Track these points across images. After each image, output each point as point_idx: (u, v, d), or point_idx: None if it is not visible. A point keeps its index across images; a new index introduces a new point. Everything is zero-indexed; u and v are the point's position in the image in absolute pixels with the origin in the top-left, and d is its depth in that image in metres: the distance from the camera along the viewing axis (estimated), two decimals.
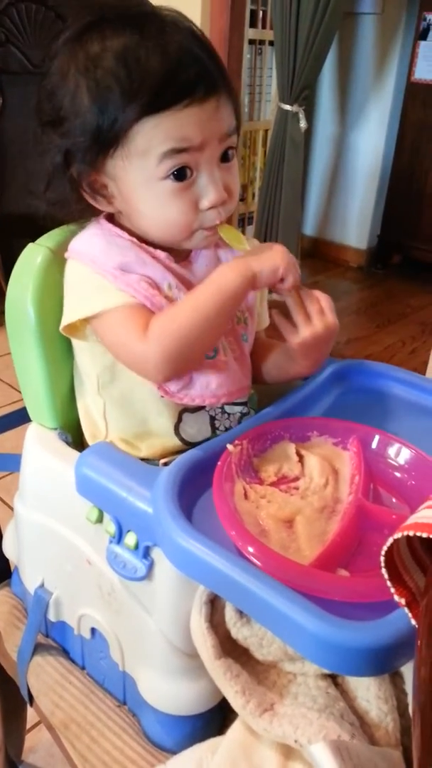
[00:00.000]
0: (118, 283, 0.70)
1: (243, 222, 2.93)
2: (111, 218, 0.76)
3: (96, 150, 0.67)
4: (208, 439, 0.76)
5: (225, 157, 0.71)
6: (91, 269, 0.71)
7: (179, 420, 0.76)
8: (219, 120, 0.68)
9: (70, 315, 0.72)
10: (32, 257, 0.77)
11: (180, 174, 0.68)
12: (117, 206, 0.73)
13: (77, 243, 0.74)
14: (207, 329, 0.69)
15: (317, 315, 0.75)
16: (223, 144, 0.70)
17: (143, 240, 0.74)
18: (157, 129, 0.65)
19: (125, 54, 0.64)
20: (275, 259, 0.69)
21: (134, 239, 0.73)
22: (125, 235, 0.73)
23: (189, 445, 0.76)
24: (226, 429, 0.78)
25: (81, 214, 0.76)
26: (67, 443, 0.80)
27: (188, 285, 0.75)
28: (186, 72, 0.65)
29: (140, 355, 0.69)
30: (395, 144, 3.12)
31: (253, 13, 2.63)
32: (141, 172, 0.68)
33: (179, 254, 0.77)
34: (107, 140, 0.67)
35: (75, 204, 0.74)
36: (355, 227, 3.37)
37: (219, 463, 0.67)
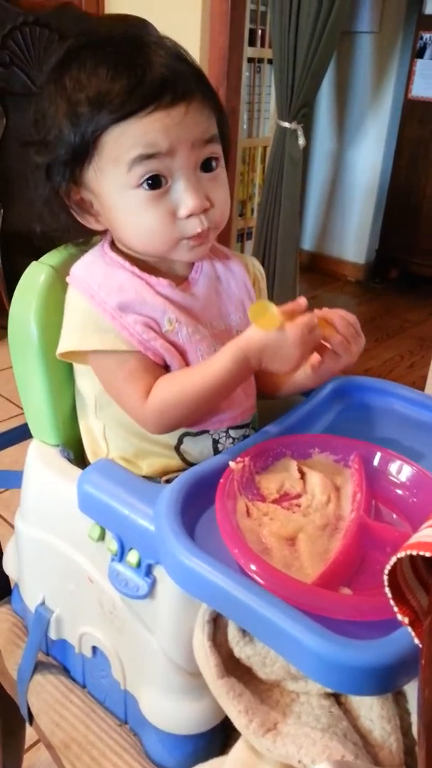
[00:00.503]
0: (116, 324, 0.70)
1: (242, 237, 2.95)
2: (114, 244, 0.77)
3: (72, 163, 0.69)
4: None
5: (208, 167, 0.71)
6: (90, 303, 0.71)
7: (180, 442, 0.77)
8: (189, 125, 0.67)
9: (66, 344, 0.73)
10: (35, 276, 0.77)
11: (153, 182, 0.68)
12: (103, 223, 0.74)
13: (78, 269, 0.75)
14: (209, 404, 0.73)
15: (354, 339, 0.76)
16: (201, 151, 0.70)
17: (143, 266, 0.74)
18: (123, 136, 0.66)
19: (96, 70, 0.66)
20: (292, 359, 0.69)
21: (135, 269, 0.73)
22: (126, 264, 0.74)
23: (190, 464, 0.76)
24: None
25: (77, 234, 0.78)
26: (69, 460, 0.80)
27: (189, 312, 0.75)
28: (151, 79, 0.65)
29: (137, 412, 0.73)
30: (392, 160, 3.15)
31: (252, 32, 2.66)
32: (114, 181, 0.69)
33: (178, 278, 0.77)
34: (81, 152, 0.68)
35: (69, 226, 0.75)
36: (353, 242, 3.40)
37: (221, 480, 0.67)
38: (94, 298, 0.71)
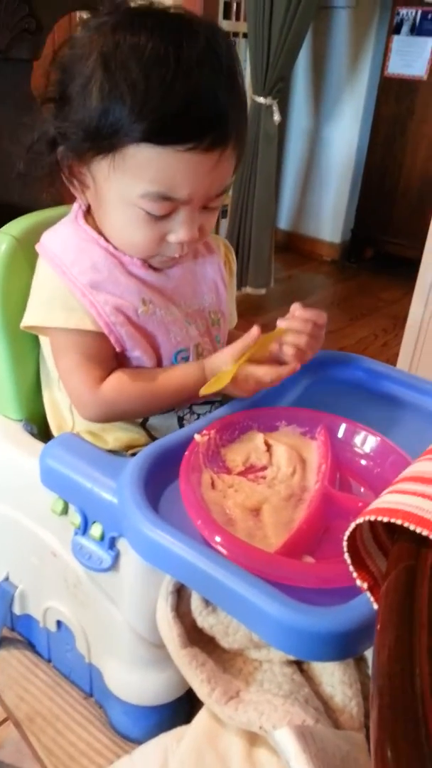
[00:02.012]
0: (85, 301, 0.69)
1: (218, 216, 2.92)
2: (87, 214, 0.74)
3: (87, 147, 0.65)
4: None
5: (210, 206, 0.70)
6: (61, 279, 0.69)
7: (146, 419, 0.76)
8: (215, 177, 0.65)
9: (30, 317, 0.72)
10: None
11: (158, 214, 0.66)
12: (89, 199, 0.71)
13: (50, 239, 0.72)
14: (159, 408, 0.75)
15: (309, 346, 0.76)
16: (211, 201, 0.68)
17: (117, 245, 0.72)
18: (152, 161, 0.62)
19: (152, 66, 0.60)
20: (249, 389, 0.72)
21: (110, 246, 0.71)
22: (101, 240, 0.71)
23: (155, 439, 0.75)
24: None
25: (52, 197, 0.74)
26: (33, 435, 0.79)
27: (163, 293, 0.74)
28: (201, 115, 0.61)
29: (83, 397, 0.72)
30: (369, 138, 3.14)
31: (227, 5, 2.61)
32: (122, 191, 0.66)
33: None
34: (101, 145, 0.63)
35: (50, 184, 0.71)
36: (329, 221, 3.38)
37: (186, 453, 0.66)
38: (65, 275, 0.69)
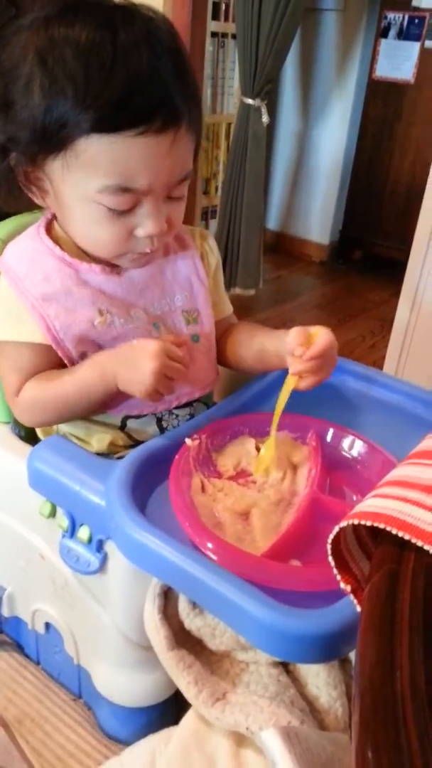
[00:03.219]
0: (35, 314, 0.68)
1: (206, 216, 2.92)
2: (50, 224, 0.73)
3: (37, 149, 0.63)
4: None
5: (175, 195, 0.68)
6: (14, 292, 0.69)
7: (123, 424, 0.76)
8: (173, 161, 0.63)
9: None
10: None
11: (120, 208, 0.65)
12: (49, 204, 0.70)
13: (9, 251, 0.72)
14: (72, 410, 0.72)
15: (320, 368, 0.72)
16: (174, 188, 0.67)
17: (76, 250, 0.71)
18: (104, 152, 0.60)
19: (90, 55, 0.58)
20: (145, 378, 0.65)
21: (65, 255, 0.70)
22: (57, 250, 0.70)
23: (138, 441, 0.75)
24: (174, 428, 0.77)
25: (21, 203, 0.73)
26: (20, 437, 0.79)
27: (123, 300, 0.72)
28: (147, 96, 0.59)
29: (10, 403, 0.74)
30: (357, 140, 3.16)
31: (216, 6, 2.61)
32: (79, 189, 0.64)
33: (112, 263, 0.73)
34: (50, 144, 0.62)
35: (8, 192, 0.69)
36: (318, 222, 3.40)
37: (176, 456, 0.67)
38: (17, 286, 0.68)
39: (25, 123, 0.62)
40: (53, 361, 0.71)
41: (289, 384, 0.71)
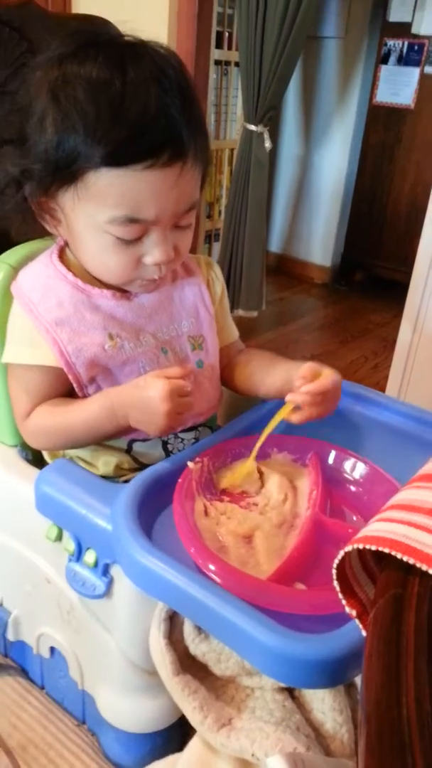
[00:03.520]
0: (48, 338, 0.69)
1: (210, 239, 2.95)
2: (63, 251, 0.75)
3: (50, 181, 0.65)
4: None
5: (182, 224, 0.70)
6: (28, 317, 0.70)
7: (129, 447, 0.77)
8: (180, 193, 0.65)
9: (5, 355, 0.73)
10: None
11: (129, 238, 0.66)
12: (62, 232, 0.72)
13: (22, 277, 0.74)
14: (78, 441, 0.74)
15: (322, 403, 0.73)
16: (181, 218, 0.68)
17: (88, 276, 0.73)
18: (113, 185, 0.63)
19: (100, 92, 0.61)
20: (158, 422, 0.66)
21: (78, 281, 0.72)
22: (69, 276, 0.72)
23: (144, 464, 0.76)
24: (180, 451, 0.78)
25: (35, 231, 0.75)
26: (27, 461, 0.80)
27: (133, 324, 0.74)
28: (154, 132, 0.61)
29: (19, 425, 0.75)
30: (357, 165, 3.20)
31: (219, 35, 2.67)
32: (89, 219, 0.66)
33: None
34: (62, 176, 0.64)
35: (22, 221, 0.72)
36: (320, 245, 3.43)
37: (180, 480, 0.67)
38: (32, 312, 0.70)
39: (39, 157, 0.65)
40: (63, 384, 0.72)
41: (283, 411, 0.72)
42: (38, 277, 0.73)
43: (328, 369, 0.72)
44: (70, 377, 0.71)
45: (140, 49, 0.64)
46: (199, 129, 0.66)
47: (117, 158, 0.61)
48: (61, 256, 0.75)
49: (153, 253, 0.68)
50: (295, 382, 0.71)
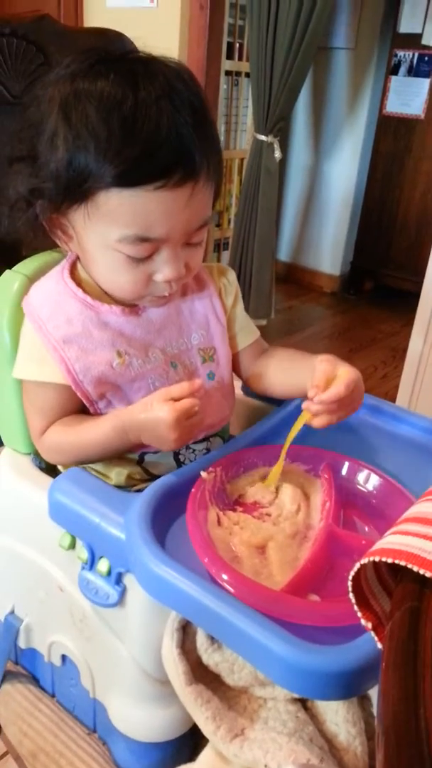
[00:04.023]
0: (56, 356, 0.70)
1: (219, 247, 2.97)
2: (74, 266, 0.75)
3: (61, 200, 0.65)
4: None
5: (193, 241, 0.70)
6: (36, 333, 0.71)
7: (141, 459, 0.77)
8: (189, 213, 0.65)
9: (15, 371, 0.74)
10: (9, 284, 0.78)
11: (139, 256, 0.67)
12: (73, 249, 0.72)
13: (33, 292, 0.74)
14: (91, 459, 0.75)
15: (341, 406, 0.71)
16: (192, 235, 0.68)
17: (98, 291, 0.73)
18: (123, 205, 0.62)
19: (111, 112, 0.60)
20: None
21: (87, 298, 0.72)
22: (79, 293, 0.72)
23: (154, 476, 0.76)
24: (191, 462, 0.78)
25: (46, 245, 0.76)
26: (41, 469, 0.80)
27: (142, 340, 0.74)
28: (166, 152, 0.61)
29: (35, 441, 0.76)
30: (367, 174, 3.21)
31: (230, 46, 2.69)
32: (100, 238, 0.66)
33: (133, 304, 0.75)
34: (73, 195, 0.64)
35: (34, 236, 0.72)
36: (329, 254, 3.44)
37: (193, 489, 0.68)
38: (41, 329, 0.71)
39: (50, 175, 0.64)
40: (74, 401, 0.73)
41: (302, 419, 0.72)
42: (48, 293, 0.73)
43: (345, 368, 0.70)
44: (79, 394, 0.71)
45: (152, 66, 0.64)
46: (211, 146, 0.66)
47: (127, 179, 0.61)
48: (73, 271, 0.75)
49: (163, 270, 0.68)
50: (309, 391, 0.70)
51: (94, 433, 0.71)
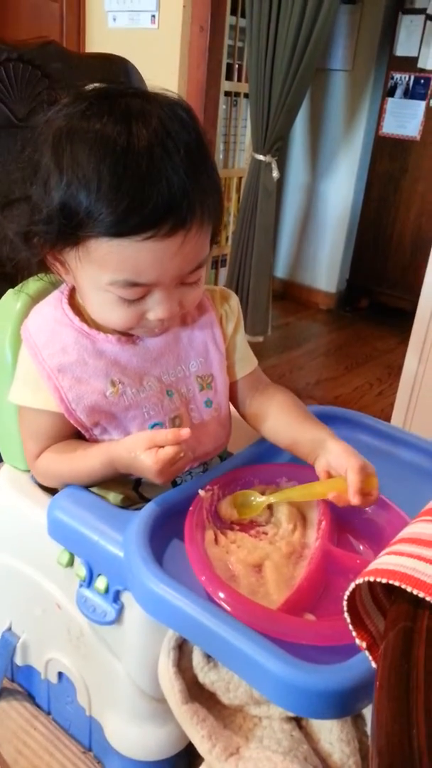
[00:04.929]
0: (50, 384, 0.70)
1: (216, 264, 2.99)
2: (74, 291, 0.75)
3: (55, 241, 0.66)
4: None
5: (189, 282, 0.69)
6: (32, 360, 0.72)
7: (138, 483, 0.78)
8: (181, 259, 0.64)
9: (10, 395, 0.75)
10: (12, 303, 0.79)
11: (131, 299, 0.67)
12: (69, 282, 0.73)
13: (31, 319, 0.74)
14: (78, 484, 0.75)
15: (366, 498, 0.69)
16: (186, 277, 0.67)
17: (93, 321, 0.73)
18: (113, 253, 0.62)
19: (102, 159, 0.60)
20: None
21: (84, 326, 0.72)
22: (76, 321, 0.72)
23: (149, 500, 0.76)
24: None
25: (46, 270, 0.75)
26: (40, 486, 0.81)
27: (137, 369, 0.74)
28: (155, 204, 0.60)
29: (29, 465, 0.78)
30: (363, 194, 3.25)
31: (230, 67, 2.73)
32: (92, 279, 0.66)
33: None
34: (66, 240, 0.64)
35: (33, 268, 0.73)
36: (325, 271, 3.47)
37: (191, 508, 0.68)
38: (36, 356, 0.71)
39: (43, 219, 0.64)
40: (68, 427, 0.74)
41: (319, 490, 0.71)
42: (46, 319, 0.74)
43: (375, 480, 0.69)
44: (72, 422, 0.72)
45: (148, 105, 0.63)
46: (207, 188, 0.65)
47: (116, 229, 0.60)
48: (71, 297, 0.75)
49: (156, 310, 0.68)
50: (351, 498, 0.67)
51: (83, 463, 0.72)
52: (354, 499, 0.67)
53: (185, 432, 0.65)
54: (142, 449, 0.66)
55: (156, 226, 0.61)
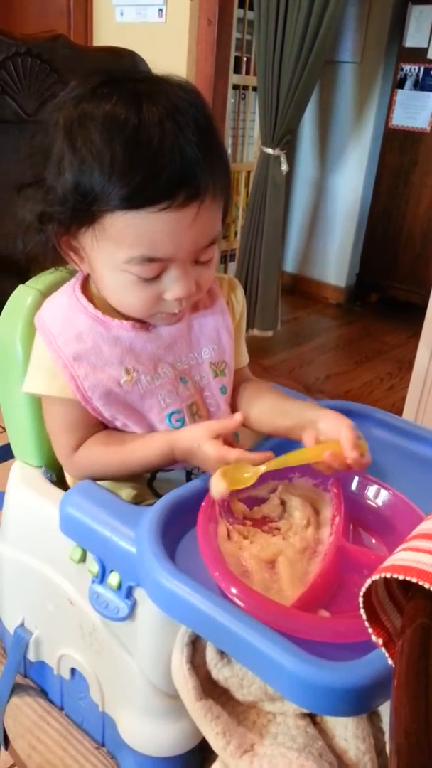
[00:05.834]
0: (66, 373, 0.70)
1: (225, 259, 2.98)
2: (86, 282, 0.76)
3: (69, 223, 0.66)
4: None
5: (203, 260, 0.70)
6: (47, 349, 0.72)
7: (153, 478, 0.78)
8: (195, 232, 0.65)
9: (25, 384, 0.75)
10: (22, 298, 0.79)
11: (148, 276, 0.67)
12: (84, 269, 0.73)
13: (45, 308, 0.75)
14: (128, 475, 0.76)
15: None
16: (200, 253, 0.68)
17: (108, 306, 0.73)
18: (129, 227, 0.63)
19: (114, 135, 0.61)
20: (211, 470, 0.68)
21: (98, 313, 0.73)
22: (90, 308, 0.73)
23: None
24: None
25: (58, 261, 0.76)
26: (52, 482, 0.81)
27: (151, 356, 0.75)
28: (169, 174, 0.61)
29: (64, 459, 0.77)
30: (373, 187, 3.23)
31: (238, 60, 2.72)
32: (108, 258, 0.67)
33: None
34: (80, 218, 0.65)
35: (46, 257, 0.73)
36: (335, 266, 3.45)
37: (203, 503, 0.68)
38: (51, 344, 0.71)
39: (57, 200, 0.65)
40: (87, 415, 0.73)
41: (312, 454, 0.70)
42: (60, 308, 0.74)
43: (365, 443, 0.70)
44: (89, 409, 0.72)
45: (156, 86, 0.65)
46: (218, 163, 0.66)
47: (132, 202, 0.62)
48: (84, 286, 0.76)
49: (173, 289, 0.68)
50: (347, 453, 0.67)
51: (139, 452, 0.72)
52: (351, 454, 0.67)
53: (239, 418, 0.69)
54: (205, 439, 0.68)
55: (170, 197, 0.62)
